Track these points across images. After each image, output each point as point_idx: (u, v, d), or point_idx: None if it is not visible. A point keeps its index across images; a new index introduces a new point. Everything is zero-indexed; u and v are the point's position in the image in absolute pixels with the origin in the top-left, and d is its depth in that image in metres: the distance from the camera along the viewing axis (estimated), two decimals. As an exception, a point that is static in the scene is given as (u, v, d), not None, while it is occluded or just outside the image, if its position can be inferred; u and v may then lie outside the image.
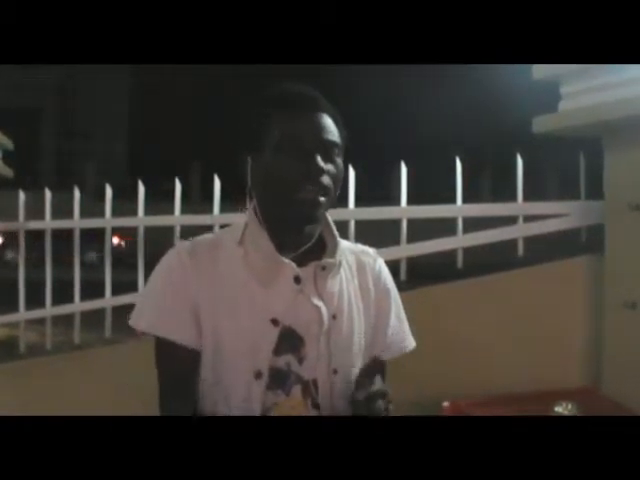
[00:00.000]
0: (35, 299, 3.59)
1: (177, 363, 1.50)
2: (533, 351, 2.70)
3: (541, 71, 2.64)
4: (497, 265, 2.89)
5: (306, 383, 1.50)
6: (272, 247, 1.48)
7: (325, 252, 1.53)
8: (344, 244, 1.61)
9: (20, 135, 4.23)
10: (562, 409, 2.00)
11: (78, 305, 3.46)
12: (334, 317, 1.51)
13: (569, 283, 2.74)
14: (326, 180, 1.44)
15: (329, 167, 1.45)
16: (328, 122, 1.48)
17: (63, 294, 3.50)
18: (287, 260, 1.48)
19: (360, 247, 1.67)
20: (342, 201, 2.96)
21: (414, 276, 2.93)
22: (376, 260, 1.65)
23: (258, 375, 1.46)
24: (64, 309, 3.54)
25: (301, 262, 1.50)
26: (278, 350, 1.48)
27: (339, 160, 1.49)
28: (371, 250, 1.67)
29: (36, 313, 3.60)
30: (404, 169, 2.89)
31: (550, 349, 2.69)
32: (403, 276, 2.88)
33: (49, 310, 3.54)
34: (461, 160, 2.87)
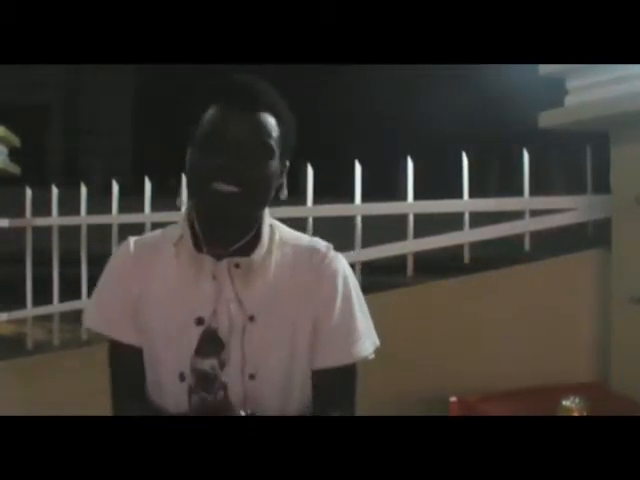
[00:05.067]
0: (42, 296, 3.61)
1: (122, 360, 1.51)
2: (540, 346, 2.70)
3: (547, 66, 2.64)
4: (504, 260, 2.89)
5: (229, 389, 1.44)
6: (191, 244, 1.47)
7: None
8: (289, 239, 1.55)
9: (26, 132, 4.24)
10: (570, 403, 2.00)
11: (85, 302, 3.47)
12: (251, 318, 1.45)
13: (576, 278, 2.74)
14: (241, 180, 1.39)
15: (248, 167, 1.40)
16: (263, 121, 1.43)
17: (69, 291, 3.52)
18: (205, 255, 1.46)
19: (312, 242, 1.56)
20: (348, 197, 2.96)
21: (422, 271, 2.93)
22: (326, 257, 1.52)
23: (182, 377, 1.45)
24: (71, 305, 3.55)
25: (225, 257, 1.47)
26: (203, 352, 1.44)
27: (270, 162, 1.43)
28: (323, 246, 1.55)
29: (43, 309, 3.62)
30: (410, 164, 2.89)
31: (557, 344, 2.70)
32: (410, 271, 2.89)
33: (56, 306, 3.55)
34: (467, 155, 2.87)
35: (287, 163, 1.52)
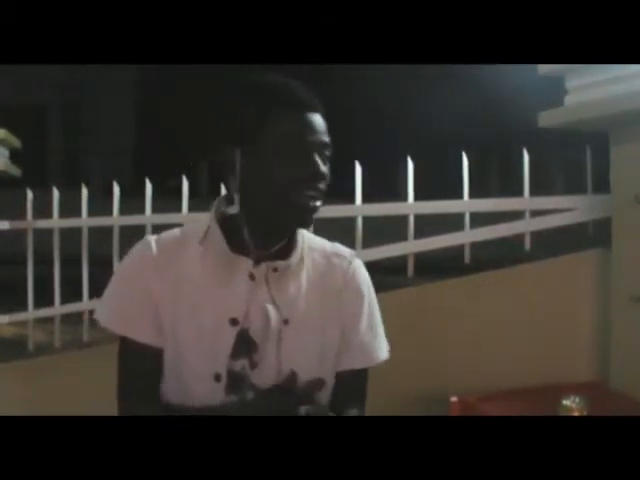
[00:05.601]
0: (43, 298, 3.61)
1: (136, 360, 1.48)
2: (540, 345, 2.70)
3: (546, 66, 2.64)
4: (504, 260, 2.89)
5: (259, 390, 1.47)
6: (224, 244, 1.46)
7: (289, 253, 1.50)
8: (314, 244, 1.57)
9: (27, 134, 4.24)
10: (570, 403, 2.00)
11: (86, 303, 3.48)
12: (286, 322, 1.47)
13: (576, 277, 2.74)
14: (323, 185, 1.42)
15: (326, 170, 1.42)
16: (323, 123, 1.45)
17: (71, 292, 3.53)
18: (241, 256, 1.45)
19: (336, 249, 1.60)
20: (349, 198, 2.96)
21: (422, 272, 2.93)
22: (351, 263, 1.58)
23: (217, 377, 1.44)
24: (73, 307, 3.55)
25: (261, 260, 1.47)
26: (235, 353, 1.45)
27: (329, 163, 1.45)
28: (347, 252, 1.60)
29: (44, 312, 3.62)
30: (411, 165, 2.90)
31: (557, 343, 2.70)
32: (410, 272, 2.89)
33: (57, 308, 3.55)
34: (467, 155, 2.87)
35: None
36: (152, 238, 1.52)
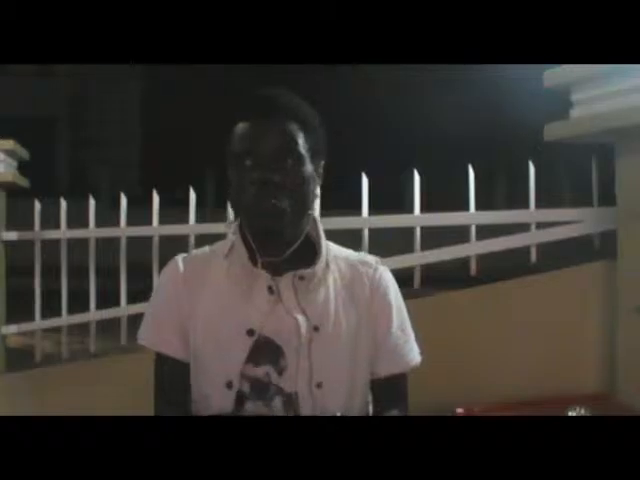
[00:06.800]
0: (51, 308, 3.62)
1: (166, 373, 1.56)
2: (546, 357, 2.70)
3: (552, 78, 2.65)
4: (510, 272, 2.89)
5: (287, 395, 1.50)
6: (246, 258, 1.52)
7: (313, 261, 1.54)
8: (339, 253, 1.62)
9: (35, 145, 4.26)
10: (575, 414, 2.00)
11: (94, 314, 3.48)
12: (316, 329, 1.50)
13: (582, 289, 2.74)
14: (278, 192, 1.44)
15: (282, 178, 1.45)
16: (287, 130, 1.48)
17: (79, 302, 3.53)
18: (260, 270, 1.50)
19: (361, 256, 1.65)
20: (355, 209, 2.97)
21: (428, 283, 2.93)
22: (376, 270, 1.62)
23: (229, 385, 1.49)
24: (80, 318, 3.56)
25: (284, 271, 1.51)
26: (256, 360, 1.50)
27: (302, 168, 1.48)
28: (373, 259, 1.65)
29: (52, 322, 3.63)
30: (417, 177, 2.90)
31: (563, 355, 2.69)
32: (417, 284, 2.89)
33: (65, 319, 3.56)
34: (473, 167, 2.88)
35: (322, 163, 1.57)
36: (179, 258, 1.60)
